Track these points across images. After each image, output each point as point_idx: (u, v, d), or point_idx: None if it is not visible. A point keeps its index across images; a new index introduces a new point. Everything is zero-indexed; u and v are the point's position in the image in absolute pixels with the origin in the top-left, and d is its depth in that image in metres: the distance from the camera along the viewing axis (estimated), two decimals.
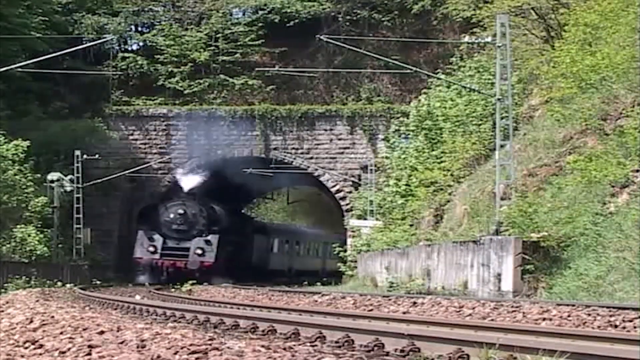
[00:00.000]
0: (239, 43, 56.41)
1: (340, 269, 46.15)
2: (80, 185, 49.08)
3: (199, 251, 49.70)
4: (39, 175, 45.27)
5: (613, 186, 22.79)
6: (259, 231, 58.76)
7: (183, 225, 50.35)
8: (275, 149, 54.16)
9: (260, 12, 57.68)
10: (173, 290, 36.99)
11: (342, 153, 53.59)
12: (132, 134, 54.90)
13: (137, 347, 7.62)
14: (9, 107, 47.92)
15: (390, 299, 21.04)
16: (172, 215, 50.64)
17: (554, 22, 34.47)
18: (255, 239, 57.20)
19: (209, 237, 50.31)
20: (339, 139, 53.69)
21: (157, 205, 51.79)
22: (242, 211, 55.21)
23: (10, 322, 10.56)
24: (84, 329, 9.14)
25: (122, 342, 7.96)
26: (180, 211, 50.60)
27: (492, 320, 14.93)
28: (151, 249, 49.88)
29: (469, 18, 41.97)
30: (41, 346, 8.17)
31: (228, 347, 7.43)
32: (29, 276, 35.28)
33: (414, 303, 19.05)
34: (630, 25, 24.41)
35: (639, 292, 17.95)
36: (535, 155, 29.88)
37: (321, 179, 53.94)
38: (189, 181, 52.19)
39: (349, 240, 48.69)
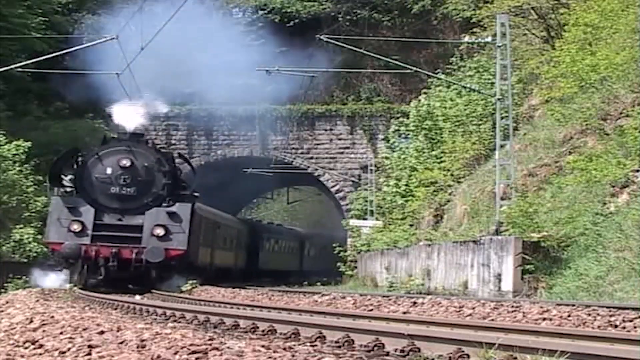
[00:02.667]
0: (239, 43, 56.36)
1: (340, 269, 46.14)
2: None
3: (160, 231, 30.25)
4: (40, 177, 45.27)
5: (613, 186, 22.81)
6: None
7: (129, 187, 30.83)
8: (275, 149, 54.14)
9: (260, 12, 57.67)
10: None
11: (342, 153, 53.58)
12: None
13: (137, 347, 7.63)
14: (9, 107, 47.92)
15: (390, 299, 21.04)
16: (109, 170, 30.96)
17: (554, 22, 34.49)
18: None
19: (174, 208, 30.71)
20: (339, 139, 53.69)
21: (83, 154, 32.23)
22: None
23: (10, 322, 10.56)
24: (84, 329, 9.14)
25: (122, 342, 7.96)
26: (125, 162, 30.94)
27: (492, 320, 14.92)
28: (75, 227, 30.21)
29: (469, 18, 41.98)
30: (41, 346, 8.17)
31: (228, 347, 7.44)
32: (29, 276, 35.29)
33: (414, 303, 19.05)
34: (630, 26, 24.42)
35: (639, 292, 17.95)
36: (535, 155, 29.90)
37: (321, 179, 53.93)
38: (134, 117, 33.71)
39: (349, 240, 48.70)
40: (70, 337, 8.42)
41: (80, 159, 32.03)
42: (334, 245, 46.71)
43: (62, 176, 32.45)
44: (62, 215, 30.79)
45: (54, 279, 31.49)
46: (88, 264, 29.93)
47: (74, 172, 31.76)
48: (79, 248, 29.87)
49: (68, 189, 32.34)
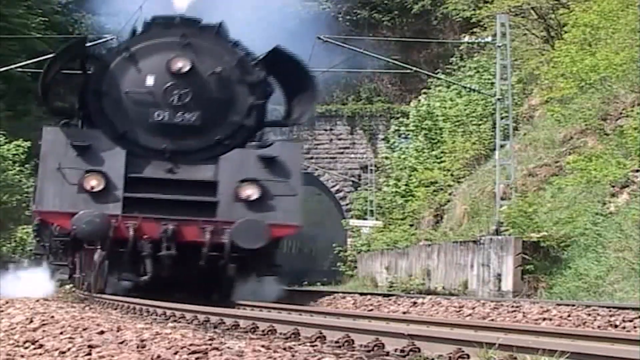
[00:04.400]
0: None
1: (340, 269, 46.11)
2: None
3: (252, 192, 18.36)
4: None
5: (613, 186, 22.82)
6: None
7: (190, 112, 18.61)
8: None
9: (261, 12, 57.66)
10: None
11: (342, 153, 53.58)
12: None
13: (137, 347, 7.62)
14: (9, 107, 47.92)
15: (390, 299, 21.03)
16: (151, 80, 18.70)
17: (554, 22, 34.48)
18: None
19: (273, 150, 19.15)
20: (339, 139, 53.68)
21: (100, 54, 21.07)
22: None
23: (10, 322, 10.55)
24: (84, 329, 9.13)
25: (122, 342, 7.96)
26: (180, 64, 18.62)
27: (492, 320, 14.93)
28: (93, 184, 17.93)
29: (469, 18, 41.98)
30: (41, 346, 8.17)
31: (228, 347, 7.43)
32: None
33: (414, 303, 19.04)
34: (630, 26, 24.42)
35: (639, 292, 17.96)
36: (535, 155, 29.90)
37: (321, 179, 53.92)
38: None
39: (349, 240, 48.69)
40: (70, 337, 8.41)
41: (95, 59, 19.51)
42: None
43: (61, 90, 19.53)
44: (66, 161, 17.80)
45: (34, 284, 19.11)
46: (118, 252, 17.61)
47: (84, 83, 19.21)
48: (106, 222, 17.16)
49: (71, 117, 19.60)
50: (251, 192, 18.27)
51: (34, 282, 19.92)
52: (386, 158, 47.54)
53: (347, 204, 52.85)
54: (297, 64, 20.05)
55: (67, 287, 20.38)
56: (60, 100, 22.42)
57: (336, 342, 8.84)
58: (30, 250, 38.59)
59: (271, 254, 18.98)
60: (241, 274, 18.41)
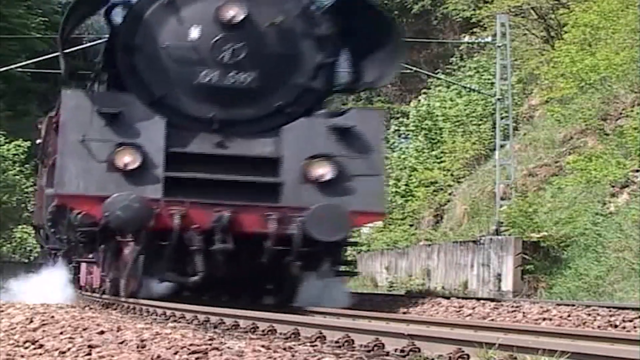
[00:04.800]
0: None
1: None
2: None
3: (324, 170, 14.71)
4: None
5: (613, 186, 22.84)
6: None
7: (244, 72, 14.79)
8: None
9: None
10: None
11: None
12: None
13: (137, 347, 7.63)
14: (9, 107, 47.96)
15: (390, 299, 21.02)
16: (196, 32, 14.82)
17: (554, 22, 34.49)
18: None
19: (348, 118, 15.36)
20: None
21: (133, 3, 15.24)
22: None
23: (10, 322, 10.55)
24: (84, 329, 9.13)
25: (122, 342, 7.96)
26: (232, 12, 14.60)
27: (492, 320, 14.93)
28: (127, 160, 14.29)
29: (469, 18, 41.99)
30: (41, 346, 8.17)
31: (228, 347, 7.44)
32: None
33: (414, 303, 19.04)
34: (630, 26, 24.43)
35: (639, 292, 17.97)
36: (535, 155, 29.91)
37: None
38: None
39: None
40: (70, 337, 8.42)
41: (125, 7, 15.58)
42: None
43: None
44: (92, 132, 14.58)
45: (46, 288, 16.77)
46: (159, 246, 14.52)
47: (111, 37, 15.63)
48: (147, 208, 14.16)
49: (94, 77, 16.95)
50: (323, 171, 14.89)
51: (54, 285, 17.42)
52: (386, 158, 47.51)
53: None
54: (375, 12, 16.24)
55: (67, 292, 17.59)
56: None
57: (336, 342, 8.84)
58: (30, 250, 38.48)
59: (343, 249, 15.85)
60: (308, 273, 15.19)
